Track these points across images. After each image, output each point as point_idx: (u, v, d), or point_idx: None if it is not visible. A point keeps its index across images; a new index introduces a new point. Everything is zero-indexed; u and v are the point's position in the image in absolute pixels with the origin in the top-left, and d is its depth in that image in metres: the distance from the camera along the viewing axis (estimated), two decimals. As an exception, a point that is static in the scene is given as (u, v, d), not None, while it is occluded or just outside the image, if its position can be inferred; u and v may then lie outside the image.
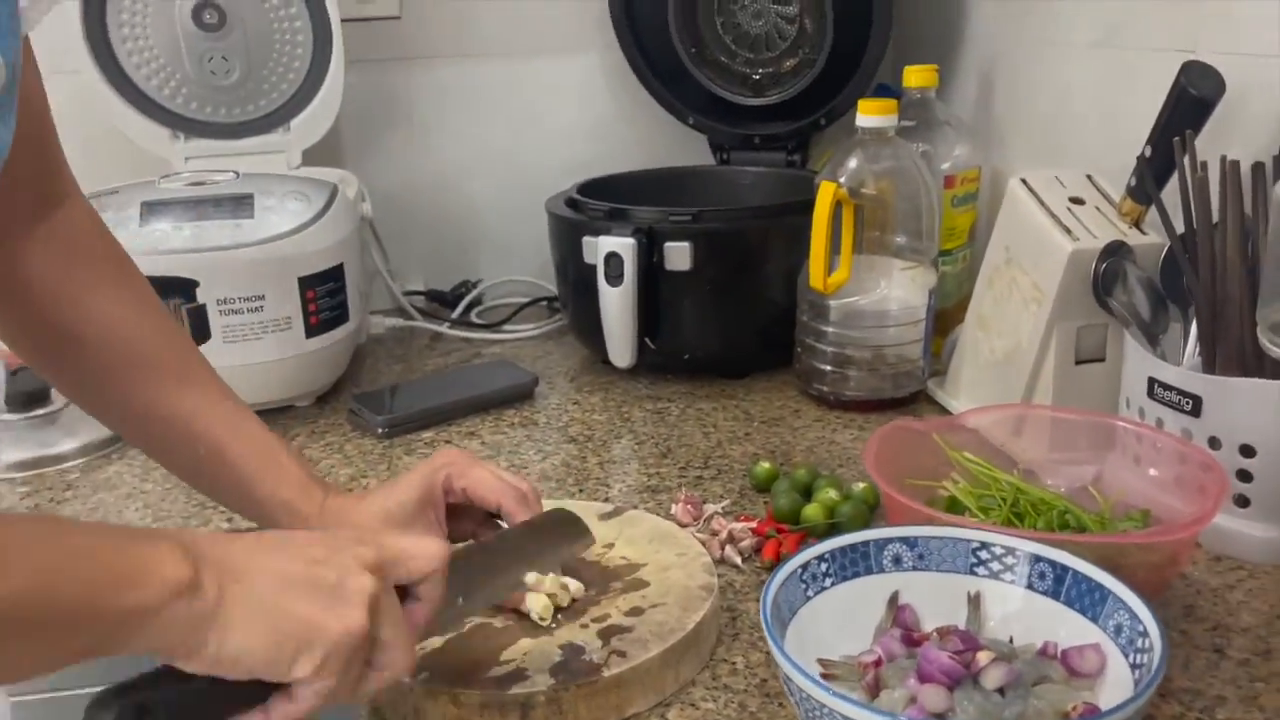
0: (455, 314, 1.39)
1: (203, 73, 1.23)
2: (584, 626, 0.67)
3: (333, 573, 0.51)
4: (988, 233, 1.22)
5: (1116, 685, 0.56)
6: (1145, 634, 0.55)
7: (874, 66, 1.25)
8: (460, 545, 0.70)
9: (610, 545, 0.77)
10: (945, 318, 1.16)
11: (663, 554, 0.76)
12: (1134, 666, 0.55)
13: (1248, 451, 0.76)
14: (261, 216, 1.03)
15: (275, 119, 1.27)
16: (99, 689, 0.47)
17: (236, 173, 1.07)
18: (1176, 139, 0.78)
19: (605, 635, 0.66)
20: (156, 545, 0.47)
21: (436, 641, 0.66)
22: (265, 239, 1.01)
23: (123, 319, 0.69)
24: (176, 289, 0.99)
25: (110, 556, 0.45)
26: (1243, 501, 0.77)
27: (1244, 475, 0.76)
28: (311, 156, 1.28)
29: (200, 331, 1.01)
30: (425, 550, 0.55)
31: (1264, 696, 0.63)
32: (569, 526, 0.71)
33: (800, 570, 0.62)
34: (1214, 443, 0.77)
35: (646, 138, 1.43)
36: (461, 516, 0.73)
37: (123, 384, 0.68)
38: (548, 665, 0.63)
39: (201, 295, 1.00)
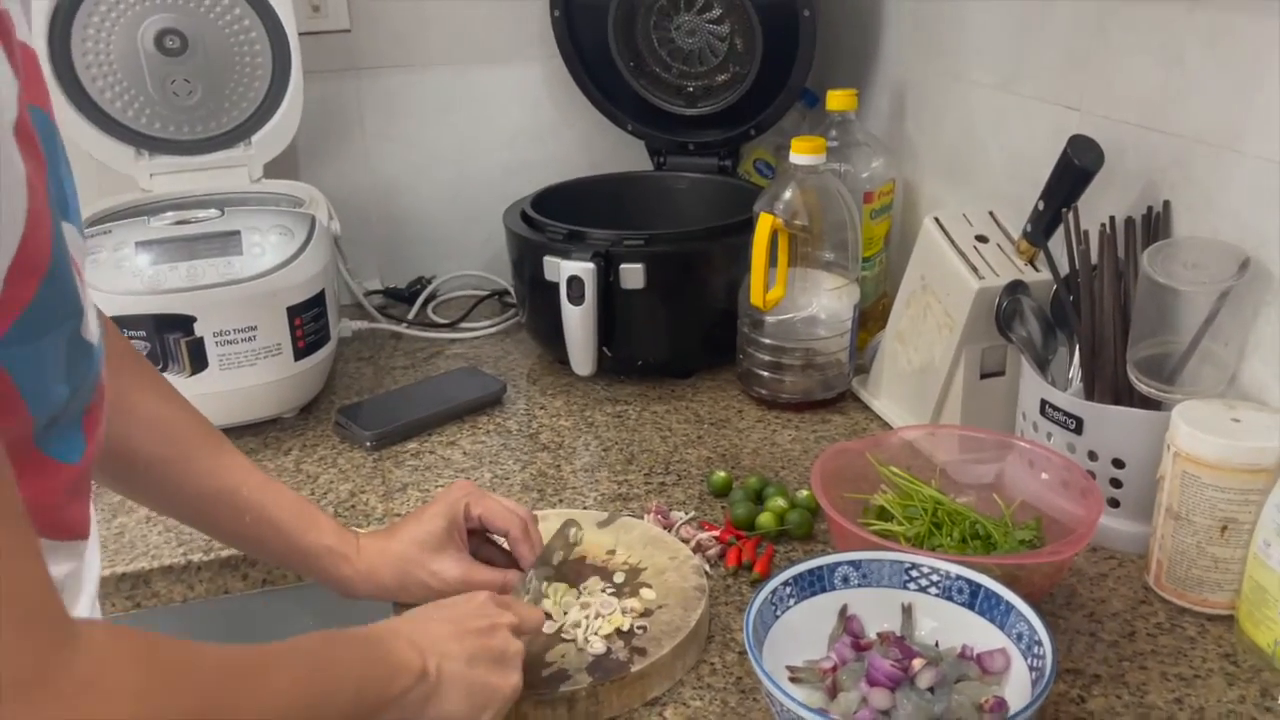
0: (413, 313, 1.49)
1: (166, 94, 1.28)
2: (599, 634, 0.81)
3: (498, 643, 0.69)
4: (900, 238, 1.37)
5: (1019, 681, 0.73)
6: (1040, 642, 0.72)
7: (800, 83, 1.37)
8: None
9: (612, 552, 0.91)
10: (865, 315, 1.32)
11: (657, 558, 0.90)
12: (1031, 668, 0.72)
13: (1119, 464, 0.92)
14: (250, 253, 1.11)
15: (237, 135, 1.33)
16: None
17: (220, 209, 1.15)
18: (1065, 209, 0.93)
19: (626, 637, 0.80)
20: (398, 644, 0.63)
21: None
22: (256, 275, 1.10)
23: (159, 414, 0.76)
24: (176, 325, 1.08)
25: (376, 660, 0.61)
26: (1114, 503, 0.94)
27: (1115, 482, 0.93)
28: (270, 166, 1.35)
29: (198, 361, 1.10)
30: (537, 616, 0.77)
31: (1129, 674, 0.80)
32: (566, 527, 0.89)
33: (770, 595, 0.76)
34: (1092, 455, 0.94)
35: (587, 142, 1.54)
36: (469, 535, 0.87)
37: (172, 474, 0.77)
38: (584, 665, 0.78)
39: (199, 329, 1.08)
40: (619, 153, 1.53)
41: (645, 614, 0.83)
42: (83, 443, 0.53)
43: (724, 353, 1.27)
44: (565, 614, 0.83)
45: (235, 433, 1.17)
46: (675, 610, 0.83)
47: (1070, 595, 0.89)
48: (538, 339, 1.35)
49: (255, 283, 1.10)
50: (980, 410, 1.07)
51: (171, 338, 1.08)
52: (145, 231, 1.11)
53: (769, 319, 1.19)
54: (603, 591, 0.86)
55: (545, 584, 0.85)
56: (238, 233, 1.12)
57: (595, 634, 0.81)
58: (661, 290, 1.21)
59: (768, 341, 1.20)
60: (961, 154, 1.27)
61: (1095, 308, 0.94)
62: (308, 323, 1.15)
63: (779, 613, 0.77)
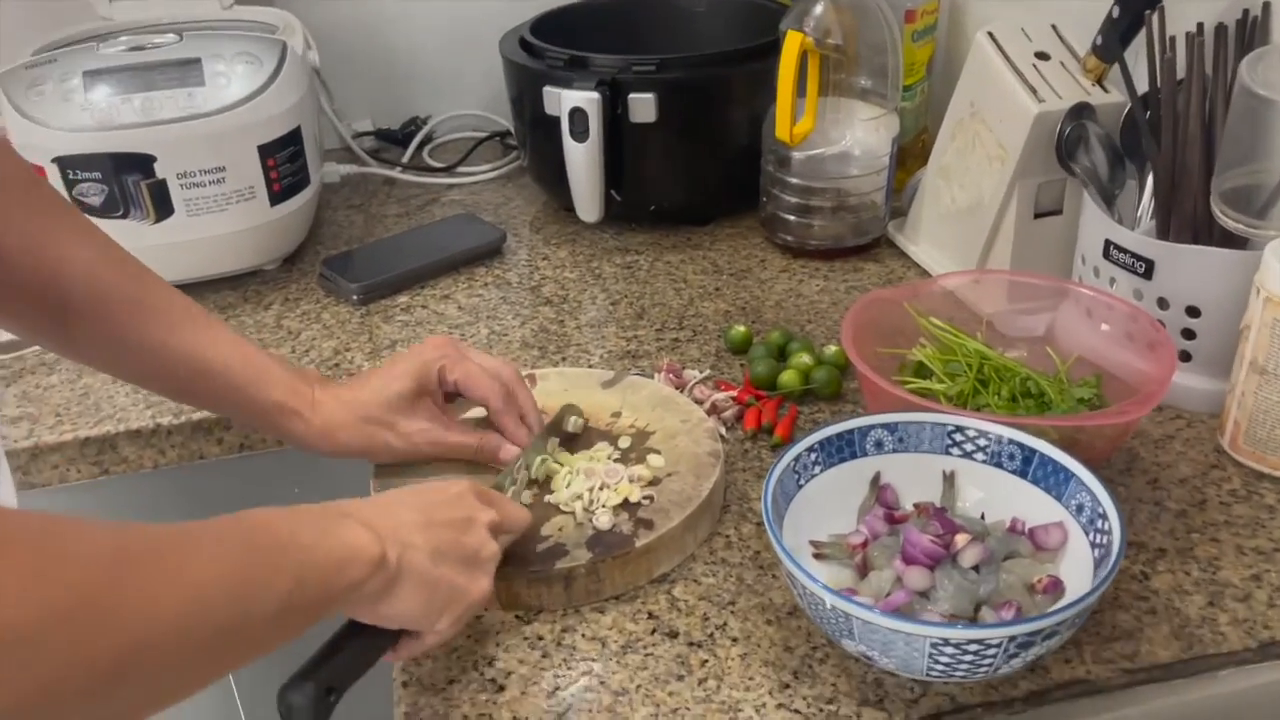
0: (407, 156, 1.37)
1: (120, -92, 1.14)
2: (606, 505, 0.72)
3: (472, 540, 0.60)
4: (944, 65, 1.23)
5: (1077, 559, 0.63)
6: (1105, 516, 0.62)
7: (833, -114, 1.20)
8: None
9: (617, 414, 0.81)
10: (903, 152, 1.18)
11: (667, 420, 0.80)
12: (1094, 545, 0.62)
13: (1193, 312, 0.81)
14: (213, 83, 0.99)
15: (203, -45, 1.19)
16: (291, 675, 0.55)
17: (179, 34, 1.02)
18: (1148, 10, 0.79)
19: (630, 507, 0.72)
20: (353, 527, 0.54)
21: None
22: (220, 108, 0.98)
23: (90, 260, 0.67)
24: (134, 165, 0.97)
25: (328, 546, 0.52)
26: (1185, 356, 0.83)
27: (1188, 333, 0.82)
28: (244, -6, 1.21)
29: (162, 207, 0.99)
30: (521, 516, 0.66)
31: (1199, 547, 0.71)
32: (565, 414, 0.79)
33: (793, 463, 0.67)
34: (1163, 303, 0.82)
35: (595, -40, 1.37)
36: (447, 400, 0.78)
37: (105, 326, 0.68)
38: (584, 539, 0.69)
39: (160, 170, 0.97)
40: (631, -27, 1.37)
41: (653, 483, 0.74)
42: None
43: (746, 196, 1.15)
44: (567, 485, 0.74)
45: (212, 286, 1.07)
46: (686, 478, 0.74)
47: (1130, 459, 0.80)
48: (541, 184, 1.23)
49: (220, 117, 0.98)
50: (1032, 255, 0.96)
51: (131, 180, 0.97)
52: (94, 59, 0.99)
53: (796, 155, 1.06)
54: (609, 459, 0.77)
55: (538, 464, 0.75)
56: (198, 60, 0.99)
57: (603, 506, 0.72)
58: (675, 124, 1.09)
59: (794, 181, 1.07)
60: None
61: (1178, 129, 0.80)
62: (283, 163, 1.03)
63: (802, 481, 0.68)
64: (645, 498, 0.73)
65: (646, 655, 0.65)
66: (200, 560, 0.46)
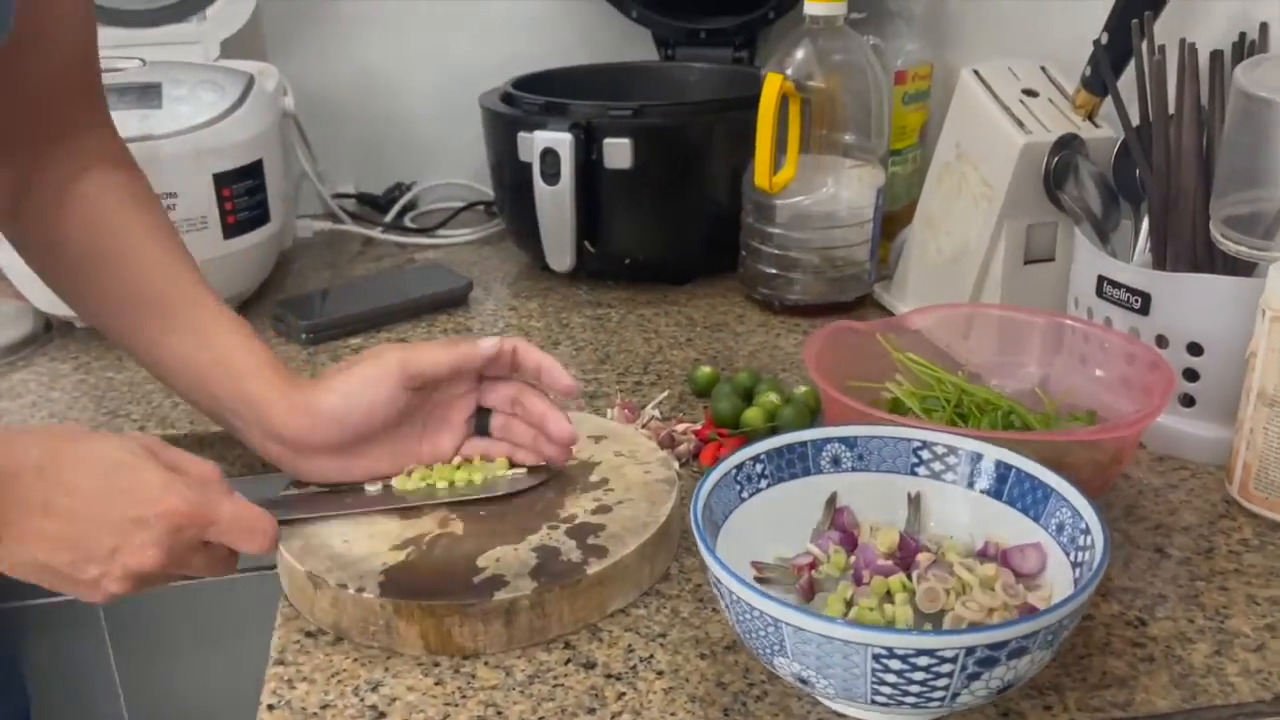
0: (388, 218, 1.34)
1: (109, -45, 1.14)
2: (553, 528, 0.64)
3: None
4: (938, 134, 1.18)
5: (1058, 584, 0.54)
6: (1087, 531, 0.53)
7: (824, -43, 1.19)
8: None
9: None
10: (894, 221, 1.13)
11: (612, 450, 0.73)
12: (1075, 564, 0.54)
13: (1195, 350, 0.74)
14: (170, 107, 0.96)
15: (190, 6, 1.18)
16: None
17: (142, 60, 1.00)
18: (1135, 21, 0.75)
19: (578, 535, 0.63)
20: None
21: (399, 555, 0.62)
22: (175, 131, 0.95)
23: (149, 247, 0.71)
24: (80, 185, 0.93)
25: None
26: (1188, 401, 0.76)
27: (1190, 374, 0.75)
28: (231, 50, 1.20)
29: (109, 231, 0.95)
30: (248, 518, 0.58)
31: (1205, 595, 0.62)
32: None
33: (735, 471, 0.59)
34: (1161, 341, 0.75)
35: (587, 33, 1.37)
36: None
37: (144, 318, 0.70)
38: (526, 570, 0.60)
39: (108, 192, 0.94)
40: (624, 47, 1.36)
41: (601, 510, 0.66)
42: None
43: (727, 254, 1.09)
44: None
45: (160, 324, 1.02)
46: (639, 504, 0.66)
47: (1130, 507, 0.71)
48: (519, 242, 1.19)
49: (174, 140, 0.95)
50: (1023, 302, 0.89)
51: (77, 200, 0.93)
52: (52, 80, 0.96)
53: (777, 203, 1.01)
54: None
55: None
56: (158, 85, 0.97)
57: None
58: (652, 172, 1.04)
59: (775, 232, 1.02)
60: (1012, 22, 1.08)
61: (1171, 155, 0.75)
62: (240, 195, 1.00)
63: (745, 494, 0.60)
64: (598, 526, 0.64)
65: (555, 686, 0.56)
66: None
